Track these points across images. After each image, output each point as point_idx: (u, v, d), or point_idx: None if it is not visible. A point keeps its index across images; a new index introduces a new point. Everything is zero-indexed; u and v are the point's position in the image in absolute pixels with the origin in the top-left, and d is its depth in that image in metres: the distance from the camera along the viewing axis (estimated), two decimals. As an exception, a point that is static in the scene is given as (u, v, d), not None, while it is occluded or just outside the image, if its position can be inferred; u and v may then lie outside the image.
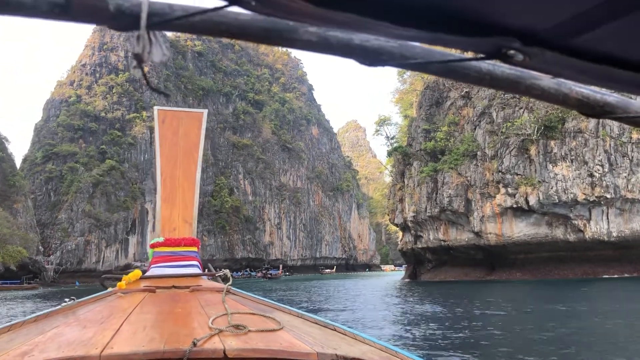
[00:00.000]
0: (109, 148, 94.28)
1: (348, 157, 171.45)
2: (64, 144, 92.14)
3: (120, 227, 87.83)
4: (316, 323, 2.34)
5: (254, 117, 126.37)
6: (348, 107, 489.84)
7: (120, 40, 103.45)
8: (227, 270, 3.35)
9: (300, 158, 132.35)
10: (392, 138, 64.93)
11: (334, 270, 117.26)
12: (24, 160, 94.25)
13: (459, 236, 52.00)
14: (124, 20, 0.58)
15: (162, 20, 0.58)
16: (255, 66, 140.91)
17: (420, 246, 56.17)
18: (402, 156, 58.22)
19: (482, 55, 0.63)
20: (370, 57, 0.64)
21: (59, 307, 2.41)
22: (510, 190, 47.54)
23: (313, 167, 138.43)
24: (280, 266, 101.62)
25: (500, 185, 48.29)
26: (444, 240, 53.24)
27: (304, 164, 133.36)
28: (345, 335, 2.18)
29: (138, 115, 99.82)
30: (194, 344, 1.54)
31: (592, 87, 0.72)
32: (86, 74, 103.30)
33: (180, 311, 2.22)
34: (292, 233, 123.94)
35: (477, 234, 50.14)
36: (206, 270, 3.65)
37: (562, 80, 0.71)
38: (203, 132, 4.13)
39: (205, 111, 4.31)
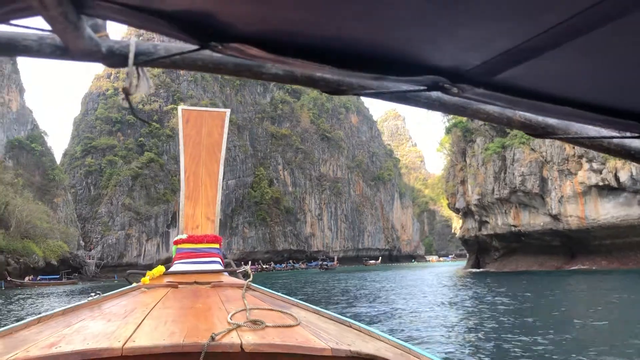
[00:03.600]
0: (147, 140, 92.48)
1: (389, 145, 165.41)
2: (103, 137, 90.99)
3: (160, 220, 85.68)
4: (332, 319, 2.37)
5: (292, 106, 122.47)
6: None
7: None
8: (248, 267, 3.41)
9: (340, 147, 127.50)
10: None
11: (379, 261, 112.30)
12: (64, 155, 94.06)
13: (532, 220, 46.07)
14: (115, 59, 0.67)
15: (147, 59, 0.67)
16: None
17: (485, 233, 50.49)
18: (462, 133, 52.47)
19: (426, 88, 0.71)
20: (331, 87, 0.73)
21: (85, 301, 2.47)
22: (595, 165, 41.21)
23: (353, 156, 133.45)
24: (335, 257, 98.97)
25: (584, 160, 41.99)
26: (515, 226, 47.39)
27: (344, 153, 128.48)
28: (360, 331, 2.18)
29: (175, 106, 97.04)
30: (213, 338, 1.61)
31: None
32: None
33: (200, 306, 2.29)
34: (333, 224, 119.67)
35: (555, 218, 44.11)
36: (227, 266, 3.70)
37: None
38: (226, 131, 4.17)
39: (228, 111, 4.42)
